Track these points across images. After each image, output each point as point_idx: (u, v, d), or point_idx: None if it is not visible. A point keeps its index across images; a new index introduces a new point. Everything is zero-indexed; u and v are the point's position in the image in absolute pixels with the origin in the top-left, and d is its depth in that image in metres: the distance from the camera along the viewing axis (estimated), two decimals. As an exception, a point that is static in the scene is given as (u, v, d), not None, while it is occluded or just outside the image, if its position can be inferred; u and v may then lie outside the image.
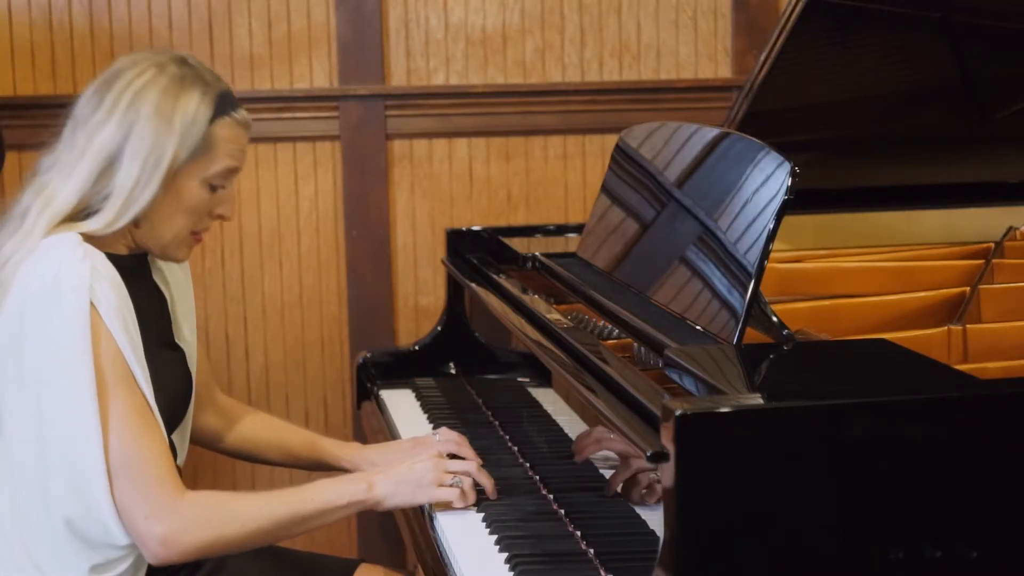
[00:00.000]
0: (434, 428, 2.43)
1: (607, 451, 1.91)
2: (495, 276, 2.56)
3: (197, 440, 2.23)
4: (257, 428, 2.29)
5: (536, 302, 2.29)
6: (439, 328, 2.87)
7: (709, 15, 3.54)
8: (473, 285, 2.59)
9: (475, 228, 2.94)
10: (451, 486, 1.94)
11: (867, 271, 2.44)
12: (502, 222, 3.47)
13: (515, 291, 2.39)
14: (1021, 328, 2.15)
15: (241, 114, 1.95)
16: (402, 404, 2.65)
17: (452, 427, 2.37)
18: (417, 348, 2.87)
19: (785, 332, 1.87)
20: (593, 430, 1.95)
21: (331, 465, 2.25)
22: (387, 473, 1.95)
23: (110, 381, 1.82)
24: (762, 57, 2.50)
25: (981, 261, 2.46)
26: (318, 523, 1.91)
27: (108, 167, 1.87)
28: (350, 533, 3.53)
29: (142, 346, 1.90)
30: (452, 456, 2.08)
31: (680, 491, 1.46)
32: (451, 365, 2.85)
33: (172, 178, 1.89)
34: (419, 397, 2.67)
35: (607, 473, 1.88)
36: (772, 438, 1.48)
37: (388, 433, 2.51)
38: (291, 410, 3.50)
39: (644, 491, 1.72)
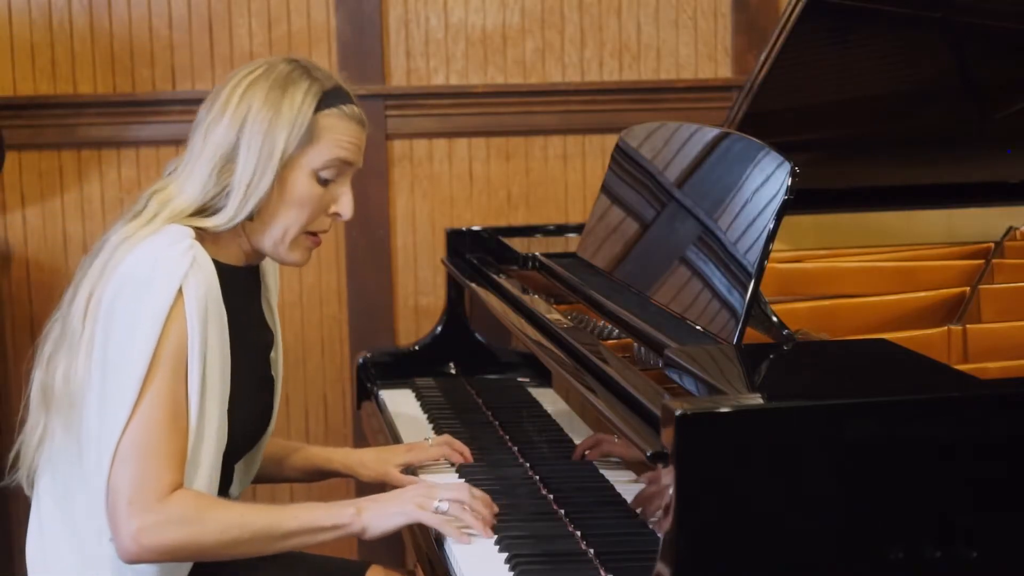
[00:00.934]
0: (434, 428, 2.44)
1: (608, 452, 1.91)
2: (495, 276, 2.56)
3: None
4: None
5: (536, 302, 2.29)
6: (439, 328, 2.87)
7: (709, 15, 3.54)
8: (473, 285, 2.59)
9: (475, 228, 2.94)
10: (435, 512, 1.86)
11: (867, 271, 2.44)
12: (502, 222, 3.47)
13: (515, 291, 2.39)
14: (1021, 328, 2.15)
15: (351, 109, 1.95)
16: (402, 404, 2.65)
17: (452, 427, 2.38)
18: (417, 348, 2.87)
19: (785, 332, 1.87)
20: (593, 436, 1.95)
21: (324, 468, 2.24)
22: (376, 500, 1.91)
23: (163, 367, 1.81)
24: (762, 57, 2.50)
25: (981, 261, 2.46)
26: (298, 543, 1.88)
27: (227, 163, 1.88)
28: (350, 533, 3.53)
29: (222, 353, 1.89)
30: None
31: (680, 491, 1.46)
32: (451, 365, 2.85)
33: (284, 169, 1.89)
34: (419, 397, 2.67)
35: (607, 473, 1.89)
36: (772, 438, 1.48)
37: (388, 433, 2.50)
38: (291, 410, 3.50)
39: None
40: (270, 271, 2.14)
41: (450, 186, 3.51)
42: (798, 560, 1.49)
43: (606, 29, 3.51)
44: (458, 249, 2.89)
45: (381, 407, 2.67)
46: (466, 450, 2.20)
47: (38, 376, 1.92)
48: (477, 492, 1.89)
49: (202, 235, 1.89)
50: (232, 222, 1.89)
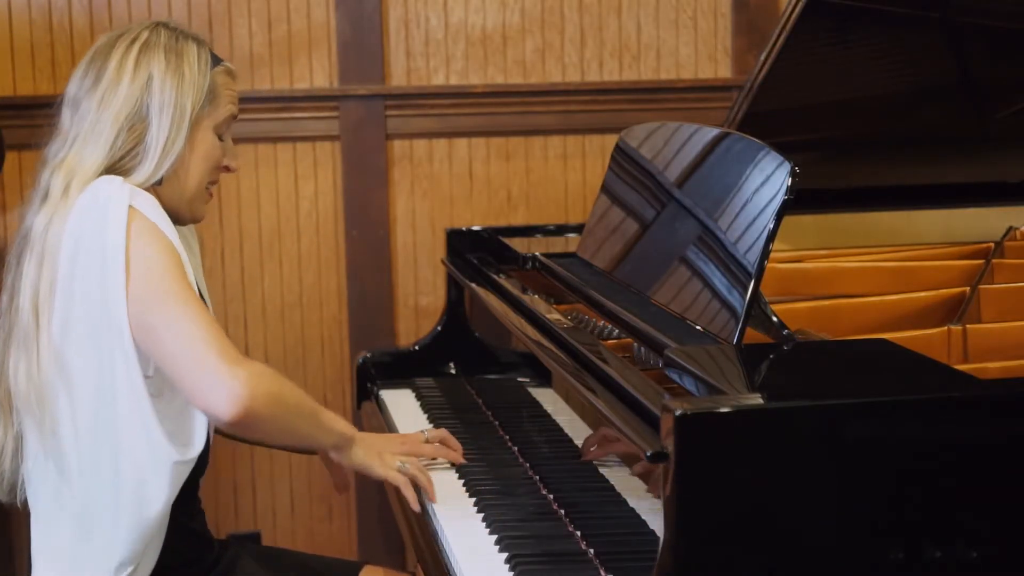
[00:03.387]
0: (434, 428, 2.44)
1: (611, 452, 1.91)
2: (495, 276, 2.56)
3: None
4: None
5: (536, 302, 2.29)
6: (439, 328, 2.87)
7: (709, 15, 3.54)
8: (473, 285, 2.59)
9: (475, 228, 2.94)
10: (396, 471, 2.04)
11: (867, 271, 2.44)
12: (502, 222, 3.47)
13: (515, 291, 2.39)
14: (1021, 328, 2.15)
15: (229, 65, 2.06)
16: (402, 404, 2.65)
17: (452, 427, 2.37)
18: (417, 348, 2.87)
19: (785, 332, 1.87)
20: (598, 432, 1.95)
21: (318, 451, 2.25)
22: (368, 436, 2.11)
23: (160, 267, 1.86)
24: (762, 57, 2.50)
25: (981, 261, 2.46)
26: (318, 435, 2.03)
27: (132, 127, 1.93)
28: (350, 533, 3.53)
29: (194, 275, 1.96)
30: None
31: (680, 491, 1.46)
32: (451, 365, 2.85)
33: (192, 129, 1.97)
34: (419, 397, 2.67)
35: (607, 473, 1.89)
36: (772, 438, 1.48)
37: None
38: (291, 410, 3.49)
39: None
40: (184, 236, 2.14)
41: (450, 186, 3.51)
42: (798, 560, 1.49)
43: (606, 29, 3.51)
44: (458, 249, 2.89)
45: (381, 407, 2.67)
46: (460, 448, 2.19)
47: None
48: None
49: None
50: (149, 181, 1.94)
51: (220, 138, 2.04)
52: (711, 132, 2.15)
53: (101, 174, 1.91)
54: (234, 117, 2.06)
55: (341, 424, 2.06)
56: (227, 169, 2.07)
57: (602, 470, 1.90)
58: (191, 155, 1.99)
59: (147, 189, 1.93)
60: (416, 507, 2.01)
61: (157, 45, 1.98)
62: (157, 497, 1.89)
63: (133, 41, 1.98)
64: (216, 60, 2.03)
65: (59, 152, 1.95)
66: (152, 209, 1.89)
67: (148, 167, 1.94)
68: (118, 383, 1.86)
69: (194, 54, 1.99)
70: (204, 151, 2.01)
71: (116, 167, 1.93)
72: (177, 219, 2.01)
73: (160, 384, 1.89)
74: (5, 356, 1.91)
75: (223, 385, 1.82)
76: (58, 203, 1.89)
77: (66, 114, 1.97)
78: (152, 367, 1.88)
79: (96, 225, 1.86)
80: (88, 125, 1.94)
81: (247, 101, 3.41)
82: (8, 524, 3.36)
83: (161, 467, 1.88)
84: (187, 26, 2.06)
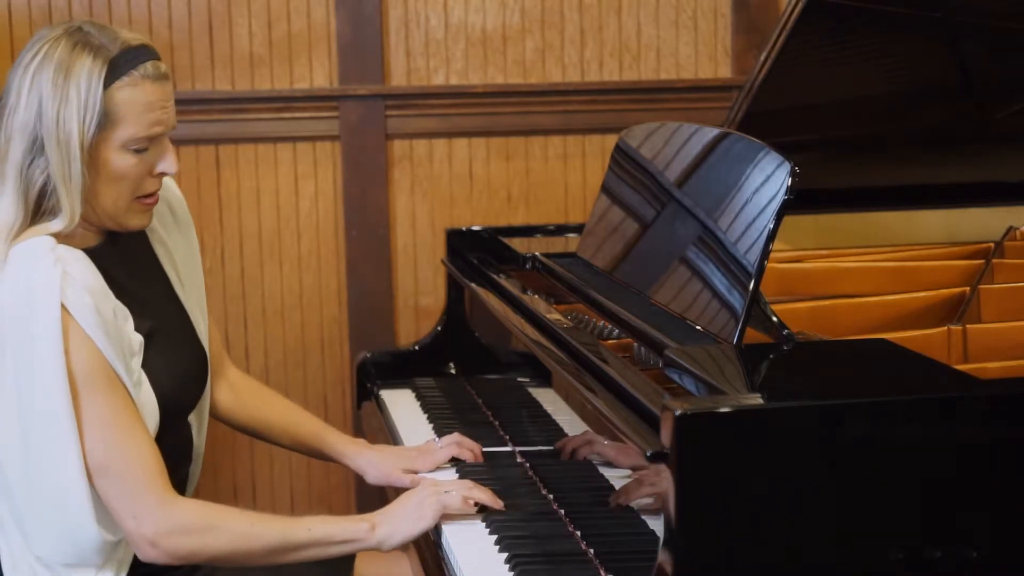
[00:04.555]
0: (434, 428, 2.44)
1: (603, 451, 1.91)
2: (495, 276, 2.56)
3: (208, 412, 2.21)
4: (269, 409, 2.27)
5: (536, 302, 2.28)
6: (439, 328, 2.87)
7: (709, 15, 3.54)
8: (473, 285, 2.59)
9: (475, 228, 2.94)
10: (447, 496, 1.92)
11: (867, 271, 2.44)
12: (502, 222, 3.47)
13: (515, 291, 2.39)
14: (1021, 328, 2.15)
15: (145, 68, 1.83)
16: (402, 404, 2.65)
17: (452, 427, 2.37)
18: (417, 348, 2.87)
19: (785, 332, 1.87)
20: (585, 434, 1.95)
21: (332, 458, 2.26)
22: (385, 513, 1.93)
23: (88, 385, 1.78)
24: (762, 57, 2.50)
25: (981, 261, 2.46)
26: (311, 555, 1.88)
27: (33, 162, 1.80)
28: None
29: (134, 341, 1.87)
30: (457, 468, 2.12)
31: (680, 491, 1.46)
32: (451, 365, 2.85)
33: (91, 154, 1.81)
34: (419, 397, 2.67)
35: (607, 473, 1.89)
36: (772, 438, 1.48)
37: (388, 433, 2.51)
38: (291, 410, 3.50)
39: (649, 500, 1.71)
40: (156, 209, 2.00)
41: (450, 186, 3.51)
42: (798, 560, 1.49)
43: (606, 29, 3.51)
44: (458, 249, 2.89)
45: (381, 407, 2.67)
46: (476, 447, 2.20)
47: None
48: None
49: (55, 235, 1.82)
50: (73, 221, 1.82)
51: (140, 150, 1.85)
52: (711, 132, 2.15)
53: (28, 225, 1.80)
54: (151, 132, 1.84)
55: (348, 528, 1.88)
56: (162, 175, 1.90)
57: (602, 470, 1.90)
58: (96, 181, 1.82)
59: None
60: (499, 504, 1.94)
61: (50, 62, 1.79)
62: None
63: (34, 57, 1.81)
64: (123, 70, 1.81)
65: None
66: (80, 301, 1.76)
67: (68, 207, 1.79)
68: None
69: (85, 69, 1.79)
70: (116, 173, 1.83)
71: (40, 210, 1.81)
72: (113, 229, 1.92)
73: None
74: None
75: (133, 543, 1.82)
76: None
77: None
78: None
79: (21, 323, 1.75)
80: (1, 154, 1.81)
81: (247, 101, 3.43)
82: None
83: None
84: (107, 26, 1.87)
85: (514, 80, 3.50)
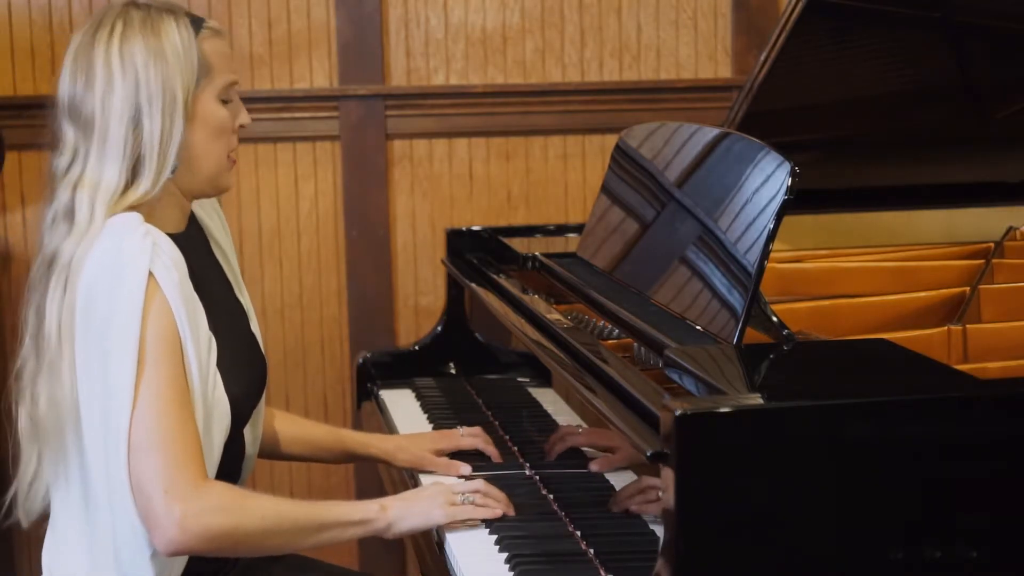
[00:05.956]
0: (434, 428, 2.44)
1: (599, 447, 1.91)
2: (495, 276, 2.56)
3: None
4: (278, 424, 2.25)
5: (536, 302, 2.29)
6: (439, 328, 2.87)
7: (709, 15, 3.54)
8: (473, 285, 2.59)
9: (475, 228, 2.94)
10: (462, 504, 1.92)
11: (867, 271, 2.44)
12: (502, 222, 3.47)
13: (515, 291, 2.39)
14: (1021, 328, 2.15)
15: (212, 24, 1.94)
16: (402, 404, 2.65)
17: (452, 427, 2.37)
18: (417, 348, 2.87)
19: (785, 332, 1.87)
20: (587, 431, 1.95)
21: (358, 453, 2.26)
22: (399, 497, 1.94)
23: (154, 354, 1.78)
24: (762, 57, 2.50)
25: (981, 261, 2.46)
26: (330, 537, 1.88)
27: (135, 128, 1.84)
28: (350, 533, 3.53)
29: (208, 336, 1.87)
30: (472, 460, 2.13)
31: (680, 491, 1.46)
32: (451, 365, 2.85)
33: (193, 109, 1.88)
34: (419, 397, 2.67)
35: (607, 473, 1.88)
36: (772, 438, 1.48)
37: (388, 433, 2.50)
38: (292, 410, 3.49)
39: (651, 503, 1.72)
40: (206, 211, 2.09)
41: (450, 186, 3.51)
42: (798, 560, 1.49)
43: (606, 29, 3.51)
44: (458, 249, 2.89)
45: (381, 407, 2.67)
46: (490, 441, 2.24)
47: (24, 411, 1.87)
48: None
49: (142, 212, 1.85)
50: (158, 184, 1.85)
51: (227, 101, 1.93)
52: (711, 132, 2.15)
53: (122, 186, 1.84)
54: (236, 79, 1.93)
55: (360, 509, 1.90)
56: (241, 127, 1.97)
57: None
58: (198, 136, 1.89)
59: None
60: (510, 511, 1.95)
61: (133, 29, 1.85)
62: None
63: (111, 33, 1.86)
64: (198, 25, 1.89)
65: (73, 168, 1.86)
66: (168, 272, 1.80)
67: (151, 170, 1.84)
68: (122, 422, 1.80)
69: (172, 27, 1.86)
70: (213, 127, 1.91)
71: (130, 177, 1.85)
72: (200, 197, 1.97)
73: None
74: (35, 381, 1.85)
75: (157, 524, 1.78)
76: (87, 228, 1.82)
77: (66, 124, 1.88)
78: None
79: (109, 287, 1.79)
80: (97, 136, 1.85)
81: (247, 101, 3.41)
82: (11, 544, 3.36)
83: None
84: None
85: (514, 80, 3.50)
